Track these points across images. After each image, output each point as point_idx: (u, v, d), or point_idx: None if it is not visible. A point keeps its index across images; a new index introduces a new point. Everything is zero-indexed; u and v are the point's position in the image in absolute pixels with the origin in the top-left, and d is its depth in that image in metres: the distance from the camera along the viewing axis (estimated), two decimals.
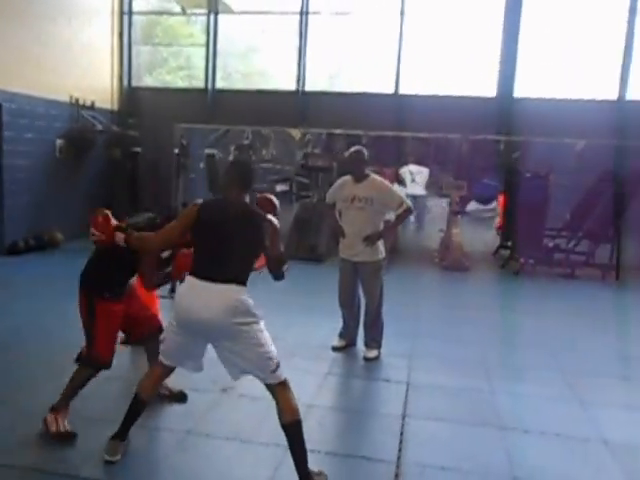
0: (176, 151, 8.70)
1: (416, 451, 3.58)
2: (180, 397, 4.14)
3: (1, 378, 4.48)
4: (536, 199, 10.13)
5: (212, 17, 12.10)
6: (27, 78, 9.53)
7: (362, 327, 5.48)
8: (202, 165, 11.17)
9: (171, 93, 12.95)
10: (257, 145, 12.47)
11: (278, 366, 3.07)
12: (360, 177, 5.21)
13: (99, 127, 10.59)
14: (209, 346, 3.20)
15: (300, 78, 12.30)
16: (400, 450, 3.57)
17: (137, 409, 3.33)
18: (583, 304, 8.32)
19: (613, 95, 11.51)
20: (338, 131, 11.40)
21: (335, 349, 5.44)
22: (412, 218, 11.04)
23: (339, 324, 5.60)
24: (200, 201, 3.21)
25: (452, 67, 12.19)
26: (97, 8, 11.77)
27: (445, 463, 3.46)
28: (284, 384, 3.09)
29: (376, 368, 5.12)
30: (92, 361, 3.51)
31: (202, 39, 13.33)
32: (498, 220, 12.20)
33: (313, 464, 3.36)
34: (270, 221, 3.17)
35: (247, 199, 3.27)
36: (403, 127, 11.54)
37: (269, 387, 3.10)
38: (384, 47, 12.17)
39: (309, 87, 12.45)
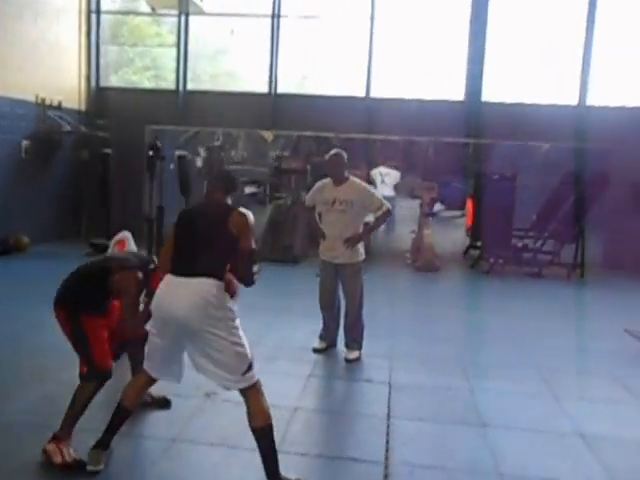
0: (150, 153, 8.59)
1: (403, 451, 3.64)
2: (163, 403, 4.10)
3: None
4: (504, 200, 10.36)
5: (183, 18, 11.98)
6: None
7: (342, 328, 5.53)
8: (172, 166, 11.06)
9: (141, 94, 12.77)
10: (227, 147, 12.44)
11: (251, 367, 3.04)
12: (340, 180, 5.26)
13: (67, 128, 10.40)
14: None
15: (272, 80, 12.29)
16: (387, 450, 3.62)
17: (120, 418, 3.29)
18: (551, 302, 8.55)
19: (574, 100, 11.84)
20: (310, 133, 11.46)
21: (316, 351, 5.48)
22: None
23: (318, 326, 5.64)
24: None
25: (422, 71, 12.34)
26: (64, 6, 11.55)
27: (432, 462, 3.53)
28: (256, 387, 3.06)
29: (358, 369, 5.17)
30: (94, 373, 3.39)
31: (169, 39, 13.21)
32: (468, 221, 12.40)
33: (303, 467, 3.40)
34: (241, 213, 3.15)
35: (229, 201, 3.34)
36: (374, 130, 11.68)
37: (240, 390, 3.08)
38: (355, 50, 12.26)
39: (281, 89, 12.45)
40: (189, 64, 12.73)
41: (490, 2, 11.64)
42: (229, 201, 3.33)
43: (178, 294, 3.02)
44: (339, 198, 5.21)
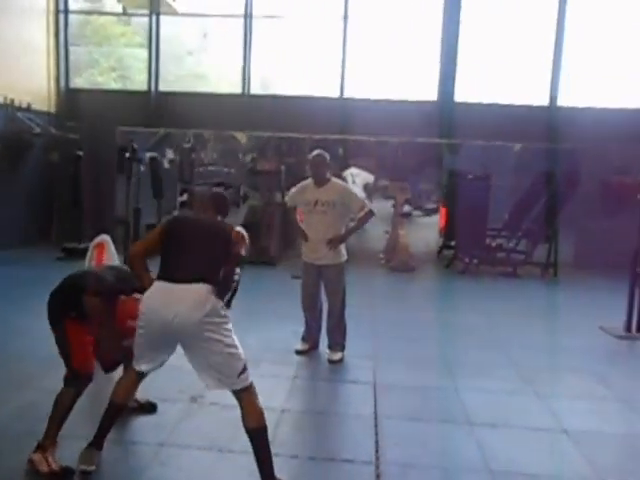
0: (127, 155, 8.48)
1: (393, 451, 3.65)
2: (149, 408, 4.05)
3: None
4: (478, 200, 10.50)
5: (154, 18, 11.83)
6: None
7: (324, 330, 5.53)
8: (142, 168, 10.92)
9: (112, 95, 12.57)
10: (198, 148, 12.36)
11: (245, 368, 3.07)
12: (322, 181, 5.27)
13: (36, 130, 10.18)
14: (174, 355, 3.20)
15: (245, 81, 12.22)
16: (377, 450, 3.63)
17: (112, 416, 3.26)
18: (527, 301, 8.70)
19: (545, 101, 12.05)
20: (283, 134, 11.45)
21: (299, 352, 5.47)
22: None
23: (299, 327, 5.64)
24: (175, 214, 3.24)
25: (395, 72, 12.42)
26: (32, 6, 11.32)
27: (423, 461, 3.55)
28: (250, 388, 3.09)
29: (342, 370, 5.19)
30: (74, 377, 3.34)
31: (135, 39, 13.04)
32: (441, 221, 12.51)
33: (295, 469, 3.39)
34: (241, 230, 3.30)
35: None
36: (347, 130, 11.72)
37: (235, 392, 3.09)
38: (329, 51, 12.27)
39: (254, 90, 12.40)
40: (161, 65, 12.57)
41: (462, 3, 11.76)
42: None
43: (175, 299, 3.02)
44: (321, 199, 5.21)
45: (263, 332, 6.09)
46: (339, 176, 11.39)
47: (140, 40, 13.21)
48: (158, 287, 3.11)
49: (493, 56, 12.08)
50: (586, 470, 3.53)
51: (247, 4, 12.08)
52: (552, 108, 11.96)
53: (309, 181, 5.38)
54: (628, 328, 6.65)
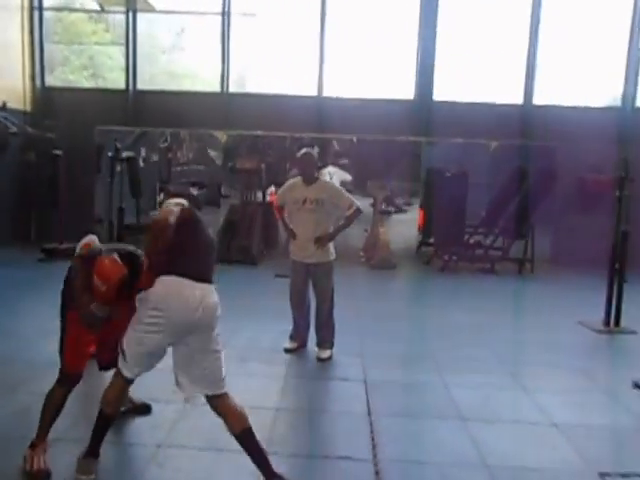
0: (110, 154, 8.39)
1: (389, 447, 3.69)
2: (144, 409, 4.02)
3: None
4: (456, 198, 10.64)
5: (131, 15, 11.68)
6: None
7: (313, 328, 5.56)
8: (119, 168, 10.81)
9: (89, 93, 12.36)
10: (175, 147, 12.29)
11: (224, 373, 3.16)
12: (311, 179, 5.30)
13: (13, 129, 9.98)
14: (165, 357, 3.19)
15: (224, 79, 12.15)
16: (374, 447, 3.67)
17: (104, 425, 3.20)
18: (506, 297, 8.89)
19: (520, 99, 12.24)
20: (262, 133, 11.44)
21: (287, 351, 5.48)
22: None
23: (285, 326, 5.65)
24: (185, 205, 3.16)
25: (373, 70, 12.48)
26: (6, 3, 11.07)
27: (420, 457, 3.61)
28: (227, 393, 3.14)
29: (331, 368, 5.22)
30: (63, 375, 3.32)
31: (107, 37, 12.86)
32: (419, 218, 12.62)
33: (294, 467, 3.41)
34: None
35: None
36: (326, 129, 11.75)
37: (213, 399, 3.12)
38: (307, 49, 12.28)
39: (233, 88, 12.34)
40: (137, 63, 12.42)
41: (439, 2, 11.86)
42: None
43: (202, 297, 3.04)
44: (310, 197, 5.24)
45: (250, 331, 6.09)
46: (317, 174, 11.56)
47: (112, 38, 13.05)
48: (182, 283, 3.02)
49: (469, 55, 12.21)
50: (578, 462, 3.62)
51: (225, 2, 12.00)
52: (527, 106, 12.14)
53: (298, 179, 5.41)
54: (607, 322, 6.81)
